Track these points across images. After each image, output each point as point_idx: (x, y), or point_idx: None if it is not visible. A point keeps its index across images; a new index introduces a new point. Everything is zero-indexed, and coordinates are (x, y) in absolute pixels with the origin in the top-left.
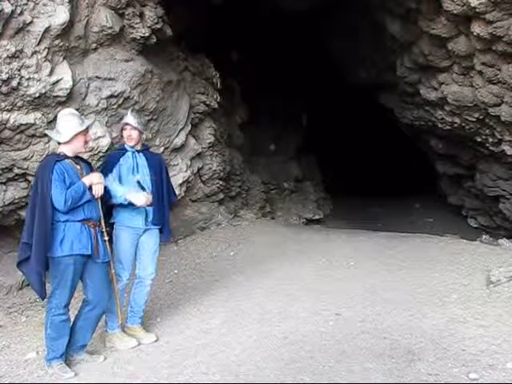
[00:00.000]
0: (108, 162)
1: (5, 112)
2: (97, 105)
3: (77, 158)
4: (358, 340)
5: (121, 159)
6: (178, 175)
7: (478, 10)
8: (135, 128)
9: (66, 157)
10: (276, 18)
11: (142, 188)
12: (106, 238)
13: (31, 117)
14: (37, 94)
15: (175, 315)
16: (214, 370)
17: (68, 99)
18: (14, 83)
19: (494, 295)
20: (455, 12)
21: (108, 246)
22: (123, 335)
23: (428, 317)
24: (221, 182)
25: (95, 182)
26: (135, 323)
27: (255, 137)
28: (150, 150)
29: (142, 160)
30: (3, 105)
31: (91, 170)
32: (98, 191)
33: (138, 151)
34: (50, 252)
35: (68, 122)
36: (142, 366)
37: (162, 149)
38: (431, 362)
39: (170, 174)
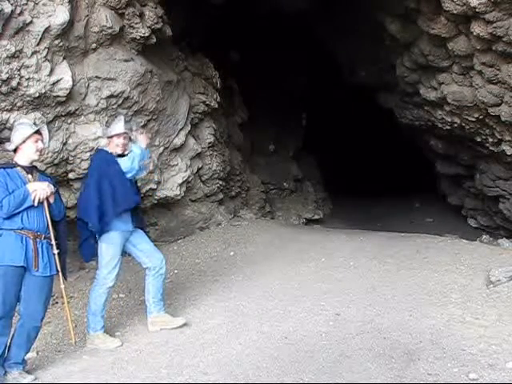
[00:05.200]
0: (104, 162)
1: (5, 112)
2: (96, 105)
3: (32, 168)
4: (358, 340)
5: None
6: (178, 175)
7: (477, 10)
8: (128, 136)
9: (18, 165)
10: (276, 17)
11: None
12: (56, 251)
13: (31, 117)
14: (36, 94)
15: (175, 315)
16: (214, 369)
17: (68, 99)
18: (14, 83)
19: (494, 295)
20: (455, 12)
21: (57, 260)
22: (105, 336)
23: (428, 317)
24: (220, 182)
25: (38, 188)
26: (161, 311)
27: (255, 137)
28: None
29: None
30: (3, 105)
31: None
32: (36, 197)
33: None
34: None
35: (17, 131)
36: (141, 365)
37: (161, 149)
38: (431, 362)
39: (170, 174)
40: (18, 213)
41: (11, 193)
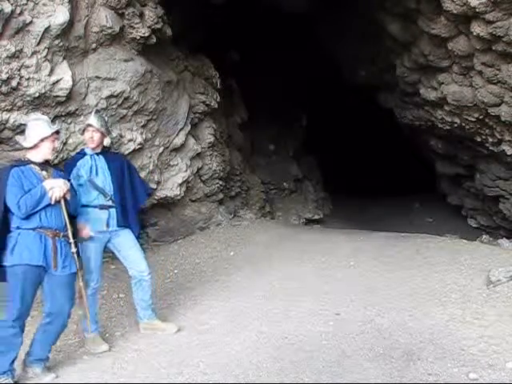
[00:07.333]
0: (65, 166)
1: (5, 112)
2: (96, 105)
3: (45, 165)
4: (358, 340)
5: (78, 162)
6: (178, 175)
7: (477, 10)
8: (97, 130)
9: (31, 162)
10: (276, 17)
11: (97, 188)
12: (74, 250)
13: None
14: (36, 94)
15: (175, 315)
16: (214, 369)
17: (68, 99)
18: (14, 83)
19: (494, 295)
20: (455, 12)
21: (76, 258)
22: (97, 339)
23: (428, 317)
24: (220, 182)
25: (55, 186)
26: (151, 317)
27: (255, 137)
28: (112, 151)
29: (101, 162)
30: (3, 105)
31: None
32: (53, 196)
33: (98, 154)
34: (3, 260)
35: (34, 127)
36: (141, 365)
37: (161, 149)
38: (431, 362)
39: (170, 174)
40: (36, 212)
41: (27, 192)
